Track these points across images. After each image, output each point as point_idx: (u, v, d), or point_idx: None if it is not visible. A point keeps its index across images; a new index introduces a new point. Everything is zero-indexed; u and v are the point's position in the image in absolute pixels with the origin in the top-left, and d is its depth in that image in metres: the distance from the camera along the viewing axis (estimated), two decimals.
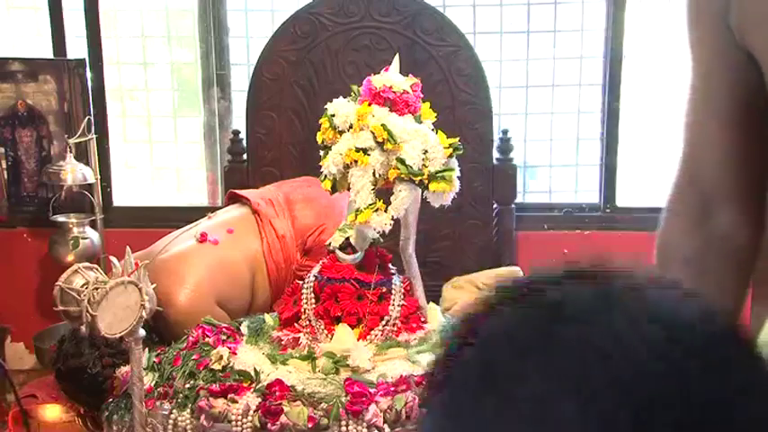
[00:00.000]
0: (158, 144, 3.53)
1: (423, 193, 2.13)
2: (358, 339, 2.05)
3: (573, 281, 0.48)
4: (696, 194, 0.94)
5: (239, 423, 1.84)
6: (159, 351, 2.13)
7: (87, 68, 3.31)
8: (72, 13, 3.35)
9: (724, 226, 0.93)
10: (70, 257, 3.07)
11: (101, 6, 3.32)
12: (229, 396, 1.88)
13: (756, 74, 0.89)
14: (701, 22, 0.92)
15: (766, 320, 0.93)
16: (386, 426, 1.83)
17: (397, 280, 2.17)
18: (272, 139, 3.09)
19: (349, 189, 2.13)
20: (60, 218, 3.22)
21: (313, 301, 2.13)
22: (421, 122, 2.16)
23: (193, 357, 2.04)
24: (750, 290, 0.98)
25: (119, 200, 3.47)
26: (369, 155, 2.07)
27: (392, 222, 2.06)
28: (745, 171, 0.93)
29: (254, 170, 3.10)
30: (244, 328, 2.22)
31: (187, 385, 1.95)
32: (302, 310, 2.13)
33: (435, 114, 2.23)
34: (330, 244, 2.19)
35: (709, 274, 0.94)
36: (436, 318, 2.23)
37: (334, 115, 2.17)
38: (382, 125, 2.07)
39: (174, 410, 1.91)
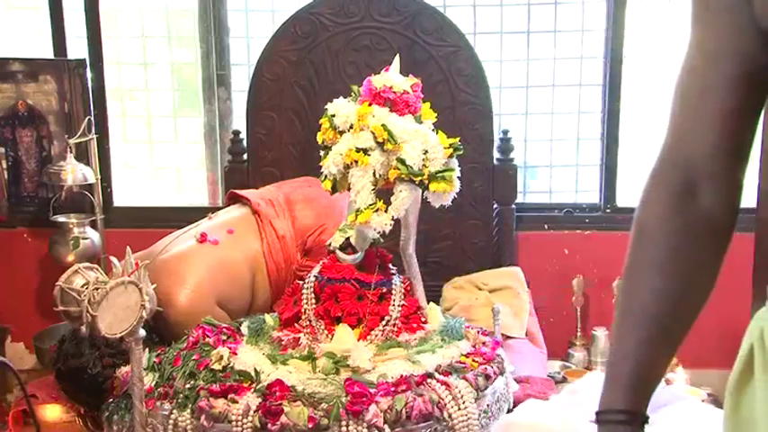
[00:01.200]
0: (158, 144, 3.53)
1: (423, 193, 2.13)
2: (358, 339, 2.05)
3: None
4: (680, 176, 0.94)
5: (239, 423, 1.84)
6: (159, 351, 2.13)
7: (87, 68, 3.31)
8: (72, 14, 3.35)
9: (706, 207, 0.94)
10: (70, 257, 3.07)
11: (101, 6, 3.32)
12: (230, 396, 1.88)
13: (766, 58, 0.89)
14: (716, 7, 0.92)
15: (754, 316, 0.93)
16: (386, 426, 1.83)
17: (397, 280, 2.17)
18: (273, 139, 3.09)
19: (349, 189, 2.13)
20: (60, 218, 3.22)
21: (313, 301, 2.13)
22: (421, 123, 2.16)
23: (194, 357, 2.04)
24: (750, 290, 0.98)
25: (119, 200, 3.47)
26: (369, 155, 2.07)
27: (392, 222, 2.06)
28: (733, 155, 0.93)
29: (255, 170, 3.11)
30: (244, 329, 2.22)
31: (187, 385, 1.95)
32: (302, 310, 2.13)
33: (435, 114, 2.23)
34: (330, 244, 2.19)
35: (688, 254, 0.94)
36: (436, 318, 2.23)
37: (334, 115, 2.16)
38: (382, 125, 2.07)
39: (175, 411, 1.91)
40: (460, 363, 2.05)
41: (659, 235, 0.95)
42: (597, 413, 0.99)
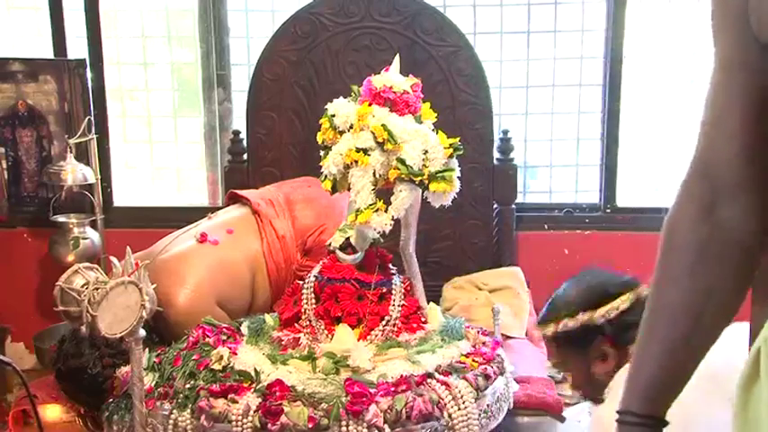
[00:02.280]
0: (158, 144, 3.54)
1: (423, 193, 2.13)
2: (358, 339, 2.05)
3: None
4: (707, 186, 0.95)
5: (239, 423, 1.84)
6: (159, 351, 2.13)
7: (88, 68, 3.32)
8: (72, 14, 3.35)
9: (731, 218, 0.94)
10: (70, 257, 3.07)
11: (101, 6, 3.33)
12: (230, 396, 1.88)
13: None
14: (725, 16, 0.93)
15: (766, 321, 0.93)
16: (386, 426, 1.83)
17: (397, 280, 2.16)
18: (273, 139, 3.09)
19: (349, 189, 2.12)
20: (60, 218, 3.22)
21: (313, 301, 2.12)
22: (421, 123, 2.16)
23: (194, 357, 2.03)
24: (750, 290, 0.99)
25: (119, 200, 3.47)
26: (369, 155, 2.07)
27: (392, 222, 2.06)
28: (758, 166, 0.94)
29: (255, 170, 3.11)
30: (244, 329, 2.22)
31: (187, 385, 1.95)
32: (302, 310, 2.13)
33: (435, 114, 2.23)
34: (330, 244, 2.18)
35: (711, 264, 0.95)
36: (436, 318, 2.23)
37: (334, 115, 2.16)
38: (382, 125, 2.07)
39: (175, 411, 1.91)
40: (460, 363, 2.05)
41: (689, 239, 0.96)
42: (617, 412, 1.00)
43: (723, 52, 0.94)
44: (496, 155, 3.08)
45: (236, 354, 2.05)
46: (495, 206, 3.09)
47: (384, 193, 2.11)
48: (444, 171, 2.07)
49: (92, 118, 3.19)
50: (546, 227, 3.29)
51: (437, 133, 2.13)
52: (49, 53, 3.36)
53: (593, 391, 1.76)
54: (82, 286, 1.73)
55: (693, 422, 1.36)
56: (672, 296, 0.97)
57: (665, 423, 0.99)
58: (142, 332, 1.78)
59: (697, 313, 0.96)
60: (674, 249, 0.98)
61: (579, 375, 1.78)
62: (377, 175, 2.08)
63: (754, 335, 0.97)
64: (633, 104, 3.28)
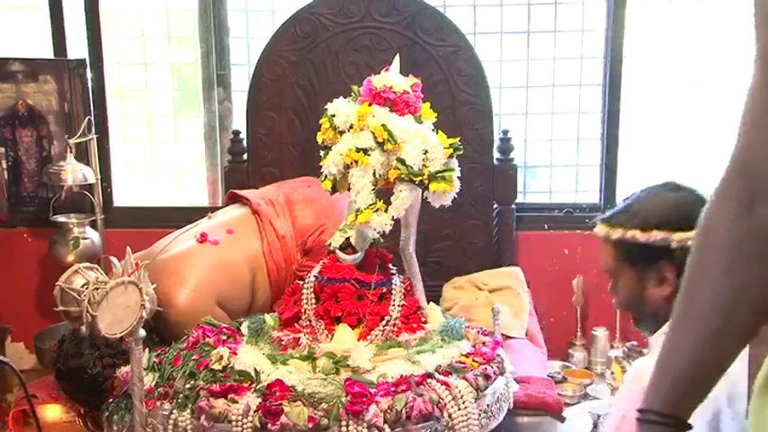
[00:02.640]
0: (158, 144, 3.54)
1: (423, 193, 2.13)
2: (358, 339, 2.05)
3: None
4: (746, 185, 0.94)
5: (239, 423, 1.84)
6: (159, 351, 2.13)
7: (88, 68, 3.32)
8: (72, 14, 3.35)
9: (766, 218, 0.93)
10: (70, 257, 3.07)
11: (101, 6, 3.33)
12: (230, 396, 1.88)
13: None
14: (767, 13, 0.92)
15: None
16: (386, 426, 1.83)
17: (397, 280, 2.16)
18: (273, 139, 3.09)
19: (349, 189, 2.12)
20: (60, 218, 3.22)
21: (313, 301, 2.12)
22: (421, 123, 2.16)
23: (194, 357, 2.03)
24: None
25: (119, 200, 3.47)
26: (369, 155, 2.07)
27: (392, 222, 2.06)
28: None
29: (255, 170, 3.11)
30: (244, 329, 2.22)
31: (187, 385, 1.95)
32: (302, 310, 2.13)
33: (435, 114, 2.23)
34: (330, 244, 2.18)
35: (750, 263, 0.93)
36: (436, 318, 2.23)
37: (334, 115, 2.16)
38: (382, 125, 2.06)
39: (175, 411, 1.91)
40: (460, 363, 2.05)
41: (727, 238, 0.94)
42: (639, 410, 0.99)
43: (765, 49, 0.93)
44: (496, 155, 3.08)
45: (236, 354, 2.05)
46: (495, 206, 3.09)
47: (384, 193, 2.11)
48: (444, 171, 2.07)
49: (92, 118, 3.19)
50: (546, 227, 3.29)
51: (437, 133, 2.13)
52: (49, 53, 3.36)
53: (637, 312, 1.67)
54: (82, 286, 1.73)
55: (738, 396, 1.34)
56: (706, 295, 0.95)
57: (689, 426, 0.98)
58: (142, 332, 1.78)
59: (729, 312, 0.94)
60: (710, 248, 0.96)
61: (628, 291, 1.67)
62: (377, 175, 2.08)
63: (761, 338, 0.97)
64: (633, 104, 3.28)
